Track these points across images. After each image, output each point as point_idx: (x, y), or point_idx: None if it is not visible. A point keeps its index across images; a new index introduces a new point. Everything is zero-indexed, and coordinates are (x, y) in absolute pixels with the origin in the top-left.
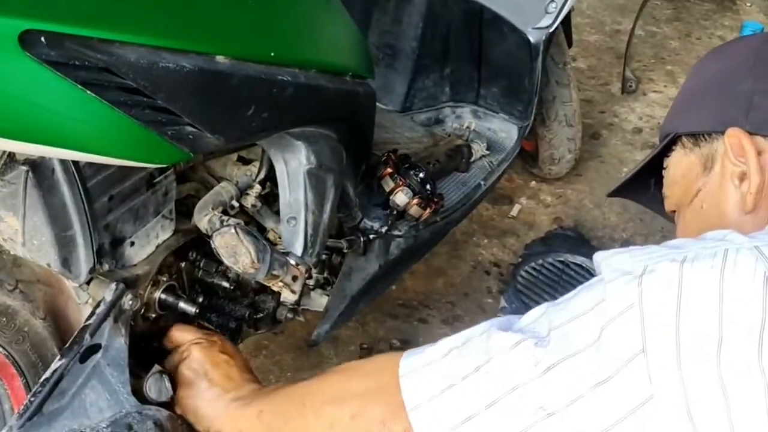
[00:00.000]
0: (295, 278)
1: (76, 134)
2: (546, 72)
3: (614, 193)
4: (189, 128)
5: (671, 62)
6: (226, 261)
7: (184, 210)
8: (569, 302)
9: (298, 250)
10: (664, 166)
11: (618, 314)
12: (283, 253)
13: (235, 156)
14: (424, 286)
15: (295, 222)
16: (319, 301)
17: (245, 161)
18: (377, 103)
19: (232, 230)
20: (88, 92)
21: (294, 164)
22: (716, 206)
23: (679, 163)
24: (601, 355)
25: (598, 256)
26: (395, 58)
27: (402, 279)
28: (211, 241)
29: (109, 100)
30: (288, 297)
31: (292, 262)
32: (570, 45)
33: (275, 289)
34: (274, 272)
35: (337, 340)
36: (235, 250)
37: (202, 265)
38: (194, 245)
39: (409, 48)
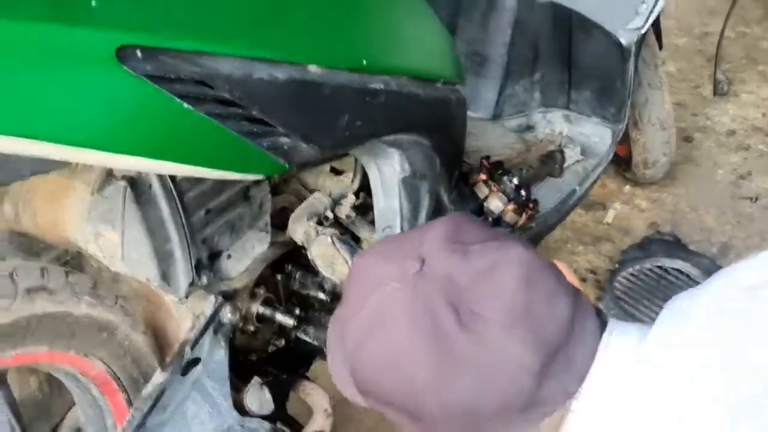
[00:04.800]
0: None
1: (173, 147)
2: (638, 74)
3: None
4: (284, 139)
5: (763, 62)
6: (323, 271)
7: (279, 223)
8: None
9: None
10: None
11: None
12: None
13: (328, 167)
14: None
15: (391, 230)
16: None
17: (338, 172)
18: (467, 111)
19: (329, 240)
20: (185, 105)
21: (388, 172)
22: None
23: None
24: None
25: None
26: (483, 65)
27: None
28: (307, 252)
29: (206, 111)
30: None
31: None
32: (661, 47)
33: None
34: None
35: None
36: (333, 260)
37: (298, 277)
38: (290, 258)
39: (497, 55)
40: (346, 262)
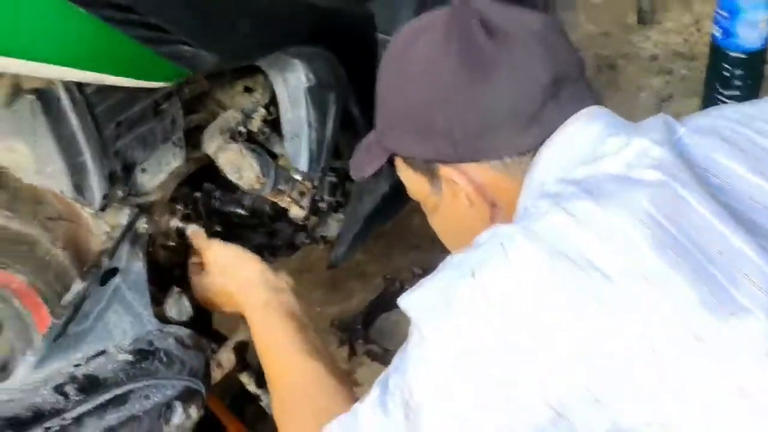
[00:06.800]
0: (302, 194)
1: (76, 53)
2: None
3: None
4: (184, 47)
5: None
6: (231, 177)
7: (195, 141)
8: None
9: (303, 165)
10: (394, 162)
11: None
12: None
13: (240, 86)
14: None
15: (299, 138)
16: (335, 227)
17: (251, 91)
18: (387, 36)
19: (236, 146)
20: (82, 10)
21: (293, 82)
22: (460, 221)
23: (407, 176)
24: None
25: (402, 304)
26: None
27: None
28: (216, 161)
29: (103, 17)
30: (297, 213)
31: (298, 177)
32: None
33: (283, 205)
34: (280, 187)
35: (364, 274)
36: (240, 166)
37: (216, 194)
38: (208, 175)
39: None
40: (253, 168)
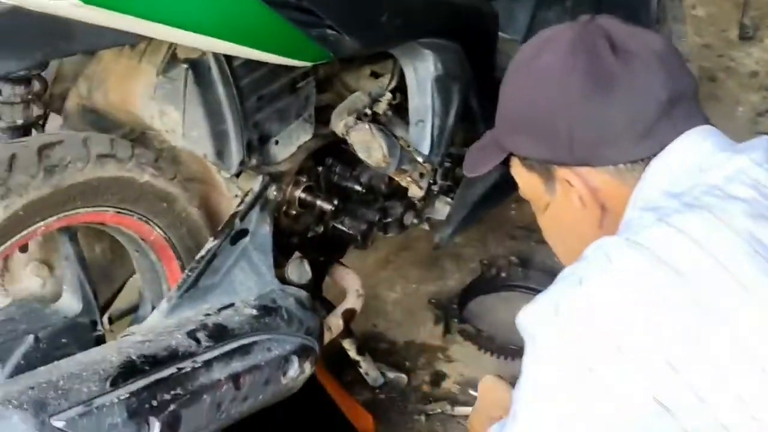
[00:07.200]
0: (422, 175)
1: (237, 29)
2: (662, 7)
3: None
4: (330, 31)
5: None
6: (360, 155)
7: (323, 119)
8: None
9: (425, 149)
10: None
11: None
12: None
13: (368, 70)
14: None
15: (423, 124)
16: (442, 210)
17: (376, 76)
18: (500, 33)
19: (367, 127)
20: None
21: (423, 72)
22: (570, 223)
23: (522, 176)
24: None
25: (518, 321)
26: None
27: (520, 203)
28: (347, 138)
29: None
30: (415, 192)
31: (420, 159)
32: None
33: (404, 184)
34: (404, 167)
35: (459, 257)
36: (369, 145)
37: (337, 170)
38: (331, 152)
39: None
40: (382, 148)
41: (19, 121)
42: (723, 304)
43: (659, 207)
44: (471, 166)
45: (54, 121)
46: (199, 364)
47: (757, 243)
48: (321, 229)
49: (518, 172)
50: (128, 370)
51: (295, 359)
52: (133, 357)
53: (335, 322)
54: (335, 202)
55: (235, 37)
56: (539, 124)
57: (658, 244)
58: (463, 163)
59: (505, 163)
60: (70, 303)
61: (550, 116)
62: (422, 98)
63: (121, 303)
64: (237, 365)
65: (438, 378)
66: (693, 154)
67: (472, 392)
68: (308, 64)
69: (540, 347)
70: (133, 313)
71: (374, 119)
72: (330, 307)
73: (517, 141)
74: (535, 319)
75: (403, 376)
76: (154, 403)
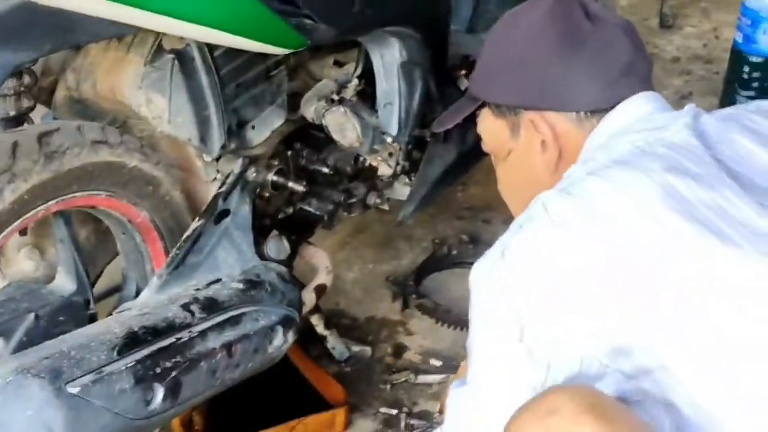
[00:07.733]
0: (391, 154)
1: (222, 17)
2: None
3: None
4: (307, 20)
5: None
6: (335, 136)
7: (291, 105)
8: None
9: (394, 129)
10: (477, 114)
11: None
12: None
13: (331, 60)
14: (486, 192)
15: (391, 107)
16: (401, 190)
17: (340, 65)
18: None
19: (342, 110)
20: None
21: (389, 58)
22: (528, 168)
23: (489, 123)
24: None
25: (471, 278)
26: None
27: (466, 186)
28: (322, 121)
29: None
30: (385, 171)
31: (389, 139)
32: None
33: (374, 164)
34: (375, 147)
35: (412, 237)
36: (344, 127)
37: (305, 154)
38: (299, 137)
39: None
40: (356, 129)
41: (12, 113)
42: (642, 240)
43: (591, 159)
44: (441, 122)
45: (36, 113)
46: (195, 334)
47: (675, 192)
48: (291, 210)
49: (486, 122)
50: (132, 340)
51: (279, 329)
52: (135, 328)
53: (309, 297)
54: (304, 185)
55: (222, 25)
56: (516, 72)
57: (586, 193)
58: (435, 122)
59: (471, 119)
60: (64, 283)
61: (525, 65)
62: (389, 82)
63: (98, 288)
64: (229, 335)
65: (400, 350)
66: (638, 112)
67: (433, 362)
68: (287, 51)
69: (489, 288)
70: (110, 296)
71: (341, 104)
72: (300, 285)
73: (493, 89)
74: (485, 265)
75: (368, 348)
76: (158, 370)
